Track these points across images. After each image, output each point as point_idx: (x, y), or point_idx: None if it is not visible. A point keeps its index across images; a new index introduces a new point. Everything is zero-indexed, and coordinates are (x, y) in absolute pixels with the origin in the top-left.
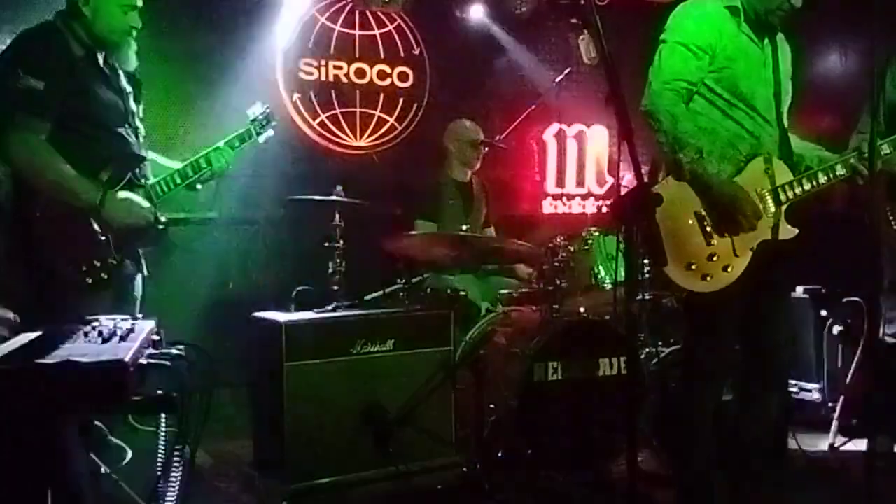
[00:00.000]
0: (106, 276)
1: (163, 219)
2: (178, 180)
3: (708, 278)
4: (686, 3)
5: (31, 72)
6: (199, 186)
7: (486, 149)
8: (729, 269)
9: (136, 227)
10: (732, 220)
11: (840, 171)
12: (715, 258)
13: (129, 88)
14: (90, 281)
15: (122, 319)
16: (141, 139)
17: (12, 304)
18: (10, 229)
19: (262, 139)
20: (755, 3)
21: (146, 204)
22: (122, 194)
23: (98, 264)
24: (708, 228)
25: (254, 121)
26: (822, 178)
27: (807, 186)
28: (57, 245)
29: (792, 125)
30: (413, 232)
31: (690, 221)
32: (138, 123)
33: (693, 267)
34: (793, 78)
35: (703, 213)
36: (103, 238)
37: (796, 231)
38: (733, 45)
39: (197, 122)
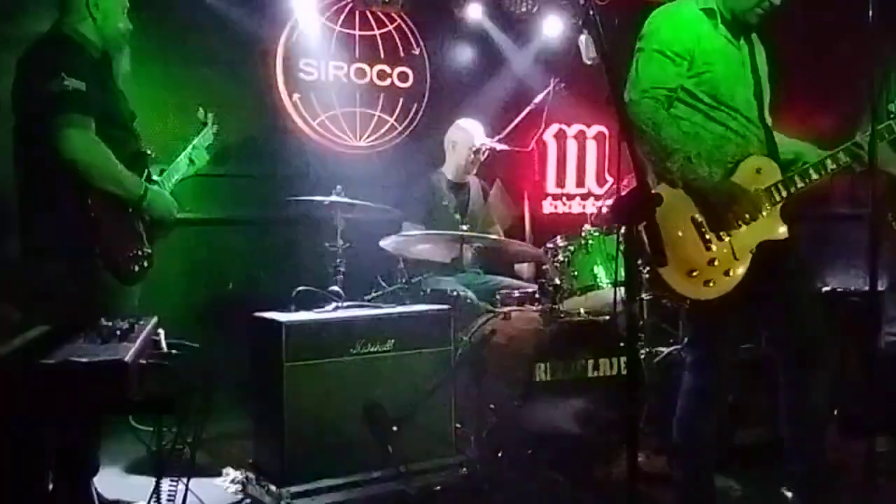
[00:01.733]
0: (147, 266)
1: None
2: (175, 176)
3: (710, 284)
4: (661, 8)
5: (72, 74)
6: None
7: (486, 154)
8: (731, 273)
9: (165, 221)
10: (731, 215)
11: (831, 165)
12: (716, 263)
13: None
14: (136, 269)
15: (122, 319)
16: (143, 140)
17: (71, 293)
18: (69, 222)
19: (212, 139)
20: (732, 4)
21: (172, 201)
22: (158, 189)
23: (139, 253)
24: (706, 233)
25: (205, 123)
26: (815, 175)
27: (800, 184)
28: (113, 235)
29: (777, 124)
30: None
31: (687, 228)
32: (136, 124)
33: (694, 274)
34: (775, 77)
35: (700, 218)
36: (140, 230)
37: (794, 229)
38: (711, 47)
39: (195, 125)
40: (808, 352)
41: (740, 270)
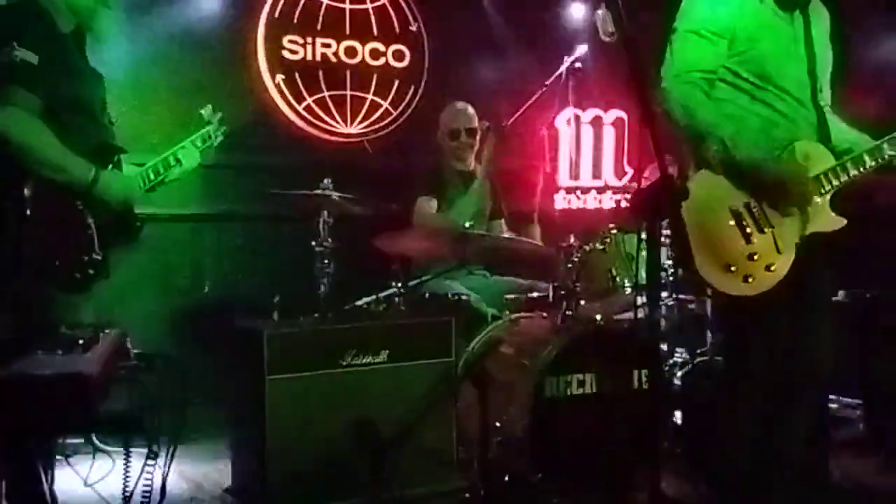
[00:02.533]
0: (93, 273)
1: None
2: (153, 176)
3: (750, 280)
4: None
5: (25, 44)
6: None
7: (483, 128)
8: (773, 269)
9: (125, 210)
10: (782, 200)
11: (890, 151)
12: (756, 257)
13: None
14: (78, 276)
15: (85, 327)
16: (115, 129)
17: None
18: None
19: (217, 142)
20: None
21: (137, 182)
22: (115, 171)
23: (86, 259)
24: (746, 225)
25: (209, 122)
26: (870, 162)
27: (853, 172)
28: (50, 234)
29: (839, 107)
30: (417, 211)
31: (725, 219)
32: (111, 111)
33: (733, 269)
34: (835, 49)
35: (740, 208)
36: (90, 231)
37: (844, 221)
38: (756, 23)
39: (166, 110)
40: (813, 375)
41: (784, 265)
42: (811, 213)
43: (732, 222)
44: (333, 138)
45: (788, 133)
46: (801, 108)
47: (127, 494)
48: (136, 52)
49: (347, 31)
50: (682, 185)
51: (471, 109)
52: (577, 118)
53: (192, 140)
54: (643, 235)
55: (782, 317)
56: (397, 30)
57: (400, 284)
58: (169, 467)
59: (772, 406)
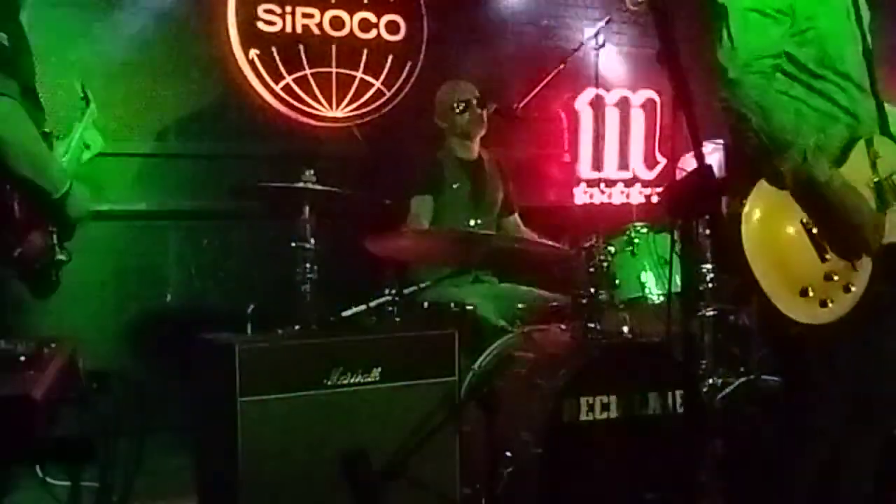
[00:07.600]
0: (59, 276)
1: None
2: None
3: (830, 304)
4: None
5: None
6: None
7: (490, 110)
8: (852, 288)
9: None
10: (846, 241)
11: None
12: (834, 277)
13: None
14: (55, 279)
15: (28, 341)
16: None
17: None
18: None
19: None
20: None
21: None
22: (80, 185)
23: (55, 259)
24: (820, 239)
25: (84, 98)
26: None
27: None
28: (33, 234)
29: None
30: (411, 212)
31: (797, 233)
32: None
33: (810, 293)
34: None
35: (811, 221)
36: (54, 227)
37: None
38: None
39: (119, 92)
40: (876, 398)
41: (862, 284)
42: (888, 221)
43: (804, 237)
44: (316, 123)
45: (850, 131)
46: (862, 96)
47: None
48: (81, 23)
49: (333, 0)
50: (721, 177)
51: (469, 84)
52: (601, 99)
53: (86, 119)
54: (677, 236)
55: (856, 339)
56: None
57: (394, 292)
58: (126, 502)
59: (838, 440)
